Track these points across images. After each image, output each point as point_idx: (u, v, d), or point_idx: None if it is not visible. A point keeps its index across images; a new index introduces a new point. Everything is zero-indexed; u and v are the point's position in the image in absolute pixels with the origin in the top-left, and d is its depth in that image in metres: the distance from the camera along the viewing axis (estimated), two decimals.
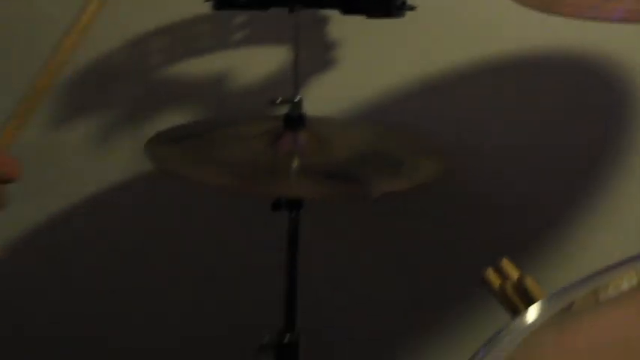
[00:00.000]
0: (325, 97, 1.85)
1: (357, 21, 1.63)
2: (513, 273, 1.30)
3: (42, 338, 2.07)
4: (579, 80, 1.87)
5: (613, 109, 1.88)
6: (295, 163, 1.61)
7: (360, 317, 2.03)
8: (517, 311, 1.26)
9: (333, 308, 1.99)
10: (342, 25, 1.83)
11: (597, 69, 1.86)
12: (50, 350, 2.07)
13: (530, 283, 1.28)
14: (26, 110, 1.18)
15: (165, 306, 2.05)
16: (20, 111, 1.18)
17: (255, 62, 1.89)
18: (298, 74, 1.65)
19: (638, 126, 1.89)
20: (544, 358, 0.98)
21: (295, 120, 1.64)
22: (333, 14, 1.74)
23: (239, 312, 1.99)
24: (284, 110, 1.65)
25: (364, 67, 1.88)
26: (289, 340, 1.67)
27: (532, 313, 1.17)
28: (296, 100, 1.64)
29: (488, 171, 1.92)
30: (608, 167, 1.92)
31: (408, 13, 1.62)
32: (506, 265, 1.31)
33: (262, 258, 1.80)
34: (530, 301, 1.26)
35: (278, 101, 1.64)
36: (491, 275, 1.31)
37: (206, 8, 1.64)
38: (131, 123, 1.94)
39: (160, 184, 1.83)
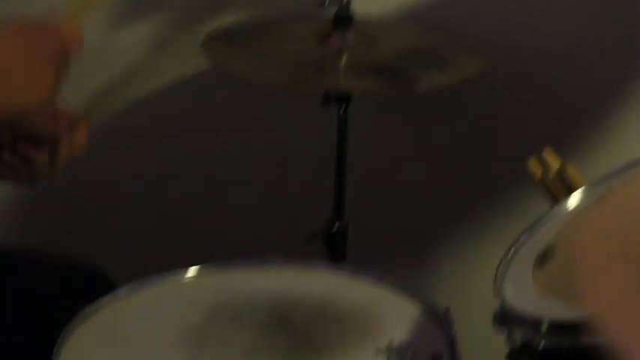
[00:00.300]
0: None
1: None
2: (555, 162, 1.33)
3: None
4: None
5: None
6: (344, 60, 1.62)
7: (404, 206, 2.04)
8: (558, 199, 1.28)
9: (379, 199, 1.99)
10: None
11: None
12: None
13: (571, 171, 1.31)
14: None
15: (220, 193, 2.06)
16: None
17: None
18: None
19: None
20: (584, 242, 0.97)
21: (344, 19, 1.64)
22: None
23: (290, 203, 2.01)
24: (333, 9, 1.65)
25: None
26: (338, 229, 1.70)
27: (573, 200, 1.22)
28: (344, 1, 1.64)
29: (527, 66, 1.90)
30: None
31: None
32: (549, 154, 1.33)
33: (312, 150, 1.83)
34: (571, 189, 1.27)
35: (327, 2, 1.65)
36: (534, 165, 1.33)
37: None
38: (188, 21, 1.93)
39: (215, 80, 1.83)
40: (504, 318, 1.06)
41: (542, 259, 1.10)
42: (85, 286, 1.42)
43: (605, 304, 0.76)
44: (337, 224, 1.71)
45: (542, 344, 0.97)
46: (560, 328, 0.97)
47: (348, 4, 1.65)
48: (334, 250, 1.70)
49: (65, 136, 1.22)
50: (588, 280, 0.72)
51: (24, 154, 1.21)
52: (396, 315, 1.26)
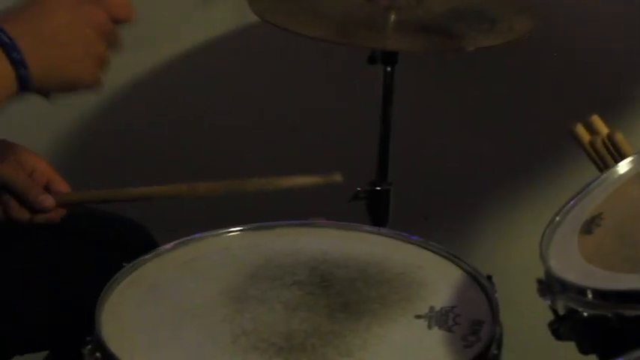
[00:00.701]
0: None
1: None
2: (603, 129, 1.32)
3: None
4: None
5: None
6: (392, 17, 1.61)
7: (448, 170, 2.04)
8: (606, 166, 1.28)
9: (422, 162, 2.00)
10: None
11: None
12: None
13: (620, 138, 1.29)
14: None
15: (264, 148, 2.07)
16: None
17: None
18: None
19: None
20: (632, 209, 1.00)
21: None
22: None
23: (334, 162, 1.98)
24: None
25: None
26: (382, 189, 1.71)
27: (622, 167, 1.21)
28: None
29: (581, 31, 1.90)
30: None
31: None
32: (596, 121, 1.33)
33: (357, 110, 1.82)
34: (619, 156, 1.27)
35: None
36: (581, 130, 1.33)
37: None
38: None
39: (261, 36, 1.84)
40: (549, 285, 1.06)
41: (589, 226, 1.09)
42: (128, 241, 1.43)
43: None
44: (381, 185, 1.71)
45: (586, 313, 0.96)
46: (604, 297, 0.95)
47: None
48: (377, 211, 1.71)
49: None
50: None
51: (5, 203, 1.29)
52: (438, 280, 1.26)
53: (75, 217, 1.38)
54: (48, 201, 1.30)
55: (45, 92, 1.11)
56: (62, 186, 1.34)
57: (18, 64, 1.04)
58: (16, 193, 1.30)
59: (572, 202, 1.15)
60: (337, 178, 1.34)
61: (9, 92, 1.05)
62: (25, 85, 1.05)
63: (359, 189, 1.70)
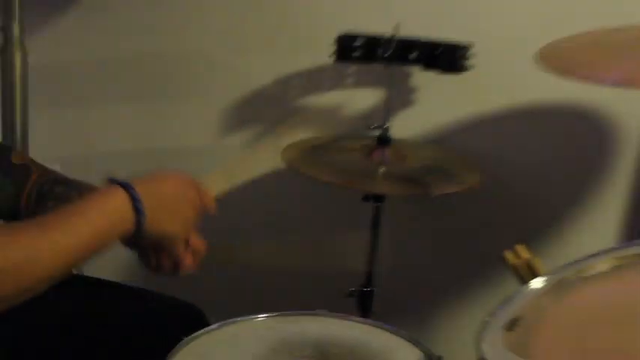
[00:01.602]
0: (405, 125, 1.84)
1: (431, 74, 1.66)
2: (525, 255, 1.32)
3: None
4: (582, 124, 1.85)
5: (601, 146, 1.86)
6: (382, 170, 1.62)
7: (417, 279, 2.02)
8: (526, 282, 1.22)
9: (399, 272, 1.96)
10: (420, 76, 1.82)
11: (587, 115, 1.84)
12: None
13: (536, 262, 1.31)
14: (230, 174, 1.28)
15: (280, 258, 2.00)
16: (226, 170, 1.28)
17: (360, 99, 1.89)
18: (389, 108, 1.68)
19: (620, 162, 1.86)
20: (543, 314, 0.97)
21: (384, 140, 1.67)
22: (414, 68, 1.76)
23: (336, 271, 1.89)
24: (377, 133, 1.67)
25: (434, 106, 1.88)
26: (368, 290, 1.70)
27: (536, 283, 1.21)
28: (385, 126, 1.67)
29: (512, 183, 1.90)
30: (595, 182, 1.89)
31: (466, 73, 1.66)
32: (520, 249, 1.33)
33: (354, 233, 1.78)
34: (535, 275, 1.25)
35: (373, 127, 1.67)
36: (509, 256, 1.33)
37: (330, 60, 1.69)
38: (273, 136, 1.96)
39: (289, 179, 1.82)
40: None
41: (511, 325, 1.09)
42: (184, 321, 1.41)
43: None
44: (368, 287, 1.70)
45: None
46: None
47: (388, 128, 1.67)
48: (364, 306, 1.69)
49: (187, 259, 1.24)
50: None
51: (157, 254, 1.22)
52: (405, 358, 1.26)
53: (147, 298, 1.38)
54: (190, 267, 1.26)
55: (142, 241, 1.13)
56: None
57: (140, 213, 1.08)
58: (172, 254, 1.24)
59: (500, 308, 1.15)
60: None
61: (126, 232, 1.08)
62: (139, 228, 1.08)
63: (352, 289, 1.69)
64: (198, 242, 1.24)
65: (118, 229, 1.07)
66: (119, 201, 1.07)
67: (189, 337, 1.25)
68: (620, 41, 1.35)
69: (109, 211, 1.06)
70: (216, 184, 1.26)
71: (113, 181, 1.09)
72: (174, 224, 1.15)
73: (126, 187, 1.08)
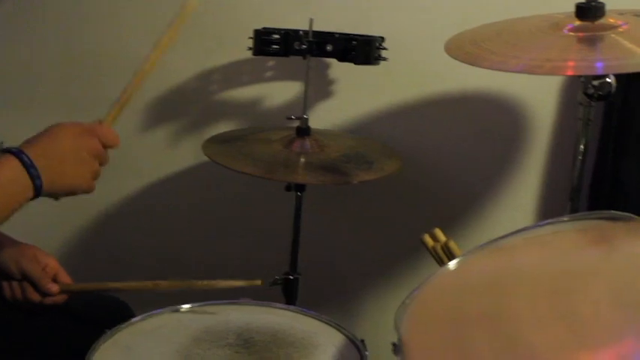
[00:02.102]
0: (324, 116, 1.88)
1: (348, 66, 1.67)
2: (442, 237, 1.33)
3: None
4: (493, 110, 1.89)
5: (513, 131, 1.90)
6: (302, 160, 1.63)
7: (339, 265, 2.03)
8: (444, 263, 1.26)
9: (322, 259, 1.98)
10: (337, 69, 1.86)
11: (500, 103, 1.87)
12: None
13: (453, 245, 1.32)
14: (122, 102, 1.25)
15: (206, 250, 2.04)
16: (118, 103, 1.25)
17: (279, 91, 1.90)
18: (307, 100, 1.68)
19: (531, 145, 1.90)
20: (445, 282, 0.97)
21: (303, 130, 1.67)
22: (332, 61, 1.78)
23: (258, 257, 1.98)
24: (296, 123, 1.68)
25: (351, 97, 1.90)
26: (292, 278, 1.69)
27: (453, 264, 1.24)
28: (304, 117, 1.67)
29: (430, 169, 1.93)
30: (510, 166, 1.93)
31: (382, 63, 1.67)
32: (438, 232, 1.34)
33: (277, 222, 1.81)
34: (453, 257, 1.29)
35: (292, 117, 1.68)
36: (427, 239, 1.34)
37: (248, 54, 1.67)
38: (193, 130, 1.95)
39: (211, 170, 1.77)
40: (400, 347, 1.08)
41: None
42: (109, 314, 1.41)
43: None
44: (292, 275, 1.70)
45: None
46: None
47: (307, 119, 1.67)
48: (289, 293, 1.69)
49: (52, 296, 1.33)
50: None
51: (24, 289, 1.32)
52: (327, 343, 1.27)
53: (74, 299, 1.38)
54: (54, 288, 1.33)
55: (53, 196, 1.14)
56: (65, 278, 1.35)
57: (35, 178, 1.08)
58: (32, 281, 1.31)
59: (416, 290, 1.16)
60: (258, 282, 1.38)
61: (26, 198, 1.09)
62: (38, 192, 1.09)
63: (277, 277, 1.69)
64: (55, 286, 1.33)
65: (18, 198, 1.08)
66: (12, 171, 1.07)
67: (113, 329, 1.25)
68: (524, 30, 1.38)
69: (4, 184, 1.06)
70: (115, 117, 1.24)
71: (4, 151, 1.09)
72: (77, 177, 1.15)
73: (17, 154, 1.08)
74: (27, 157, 1.08)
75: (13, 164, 1.07)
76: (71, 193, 1.16)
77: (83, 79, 1.95)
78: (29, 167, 1.07)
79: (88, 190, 1.17)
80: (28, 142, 1.11)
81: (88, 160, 1.15)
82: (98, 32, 1.93)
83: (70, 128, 1.15)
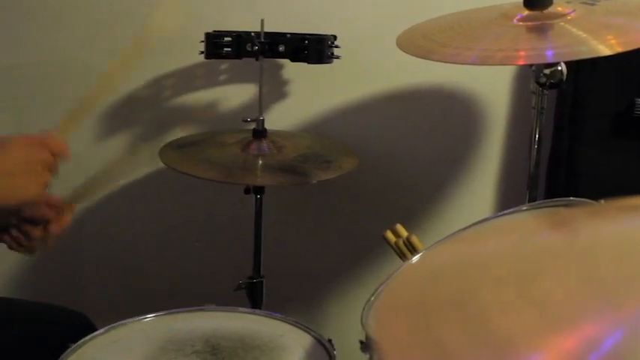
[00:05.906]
0: (280, 117, 1.87)
1: (301, 66, 1.66)
2: (404, 233, 1.33)
3: None
4: (448, 104, 1.90)
5: (469, 123, 1.91)
6: (260, 162, 1.62)
7: (304, 267, 2.03)
8: (407, 258, 1.30)
9: (286, 261, 1.97)
10: (291, 69, 1.85)
11: (454, 96, 1.88)
12: None
13: (415, 240, 1.32)
14: (74, 115, 1.23)
15: (168, 258, 2.03)
16: (71, 115, 1.23)
17: (234, 94, 1.89)
18: (262, 101, 1.67)
19: (487, 136, 1.91)
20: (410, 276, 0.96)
21: (260, 132, 1.67)
22: (285, 62, 1.78)
23: (221, 263, 1.99)
24: (252, 126, 1.67)
25: (305, 97, 1.90)
26: (256, 281, 1.68)
27: (416, 258, 1.24)
28: (260, 118, 1.67)
29: (388, 165, 1.93)
30: (466, 159, 1.94)
31: (335, 61, 1.67)
32: (400, 228, 1.34)
33: (238, 226, 1.80)
34: (416, 251, 1.30)
35: (248, 120, 1.66)
36: (389, 235, 1.34)
37: (200, 58, 1.66)
38: (149, 136, 1.93)
39: (168, 177, 1.81)
40: (367, 344, 1.08)
41: None
42: (71, 328, 1.37)
43: None
44: (256, 279, 1.68)
45: None
46: None
47: (263, 121, 1.67)
48: (254, 297, 1.68)
49: (55, 218, 1.22)
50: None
51: (25, 231, 1.21)
52: (294, 344, 1.26)
53: (32, 309, 1.35)
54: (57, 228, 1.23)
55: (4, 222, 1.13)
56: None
57: None
58: (31, 210, 1.21)
59: (381, 287, 1.17)
60: None
61: None
62: None
63: (240, 282, 1.67)
64: (55, 198, 1.22)
65: None
66: None
67: (77, 343, 1.23)
68: (475, 22, 1.38)
69: None
70: (66, 129, 1.22)
71: None
72: (28, 188, 1.12)
73: None
74: None
75: None
76: (22, 204, 1.13)
77: (30, 87, 1.92)
78: None
79: (36, 198, 1.15)
80: None
81: (38, 171, 1.13)
82: (41, 41, 1.90)
83: (20, 140, 1.13)
